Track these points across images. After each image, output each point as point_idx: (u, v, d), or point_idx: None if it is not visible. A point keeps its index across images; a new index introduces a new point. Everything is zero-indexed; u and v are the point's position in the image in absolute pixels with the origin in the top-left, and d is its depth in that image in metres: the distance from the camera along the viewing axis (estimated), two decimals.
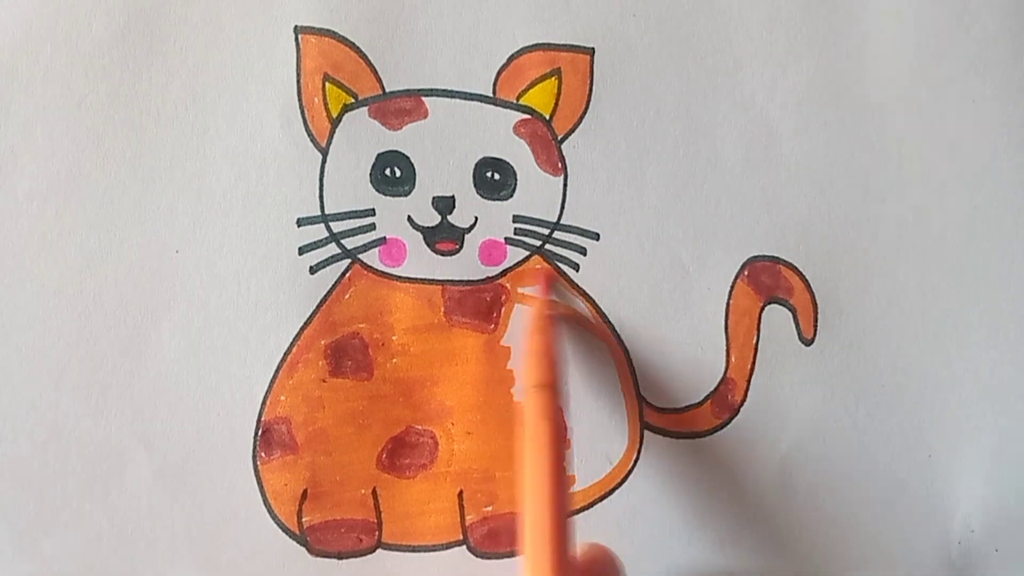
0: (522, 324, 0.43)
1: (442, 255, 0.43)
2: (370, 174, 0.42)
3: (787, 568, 0.44)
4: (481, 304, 0.43)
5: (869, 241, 0.45)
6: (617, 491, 0.44)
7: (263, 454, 0.42)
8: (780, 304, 0.44)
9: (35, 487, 0.41)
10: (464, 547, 0.43)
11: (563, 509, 0.36)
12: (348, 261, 0.42)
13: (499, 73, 0.43)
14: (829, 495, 0.44)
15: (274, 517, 0.42)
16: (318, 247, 0.42)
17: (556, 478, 0.36)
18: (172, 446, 0.42)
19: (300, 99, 0.42)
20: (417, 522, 0.43)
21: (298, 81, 0.42)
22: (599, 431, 0.43)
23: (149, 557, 0.42)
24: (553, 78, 0.43)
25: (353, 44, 0.42)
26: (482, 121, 0.43)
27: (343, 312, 0.42)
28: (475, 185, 0.43)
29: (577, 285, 0.43)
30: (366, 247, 0.42)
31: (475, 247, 0.43)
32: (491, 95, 0.43)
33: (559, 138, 0.43)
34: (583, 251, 0.43)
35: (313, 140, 0.42)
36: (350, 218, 0.42)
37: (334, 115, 0.42)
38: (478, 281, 0.43)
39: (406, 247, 0.43)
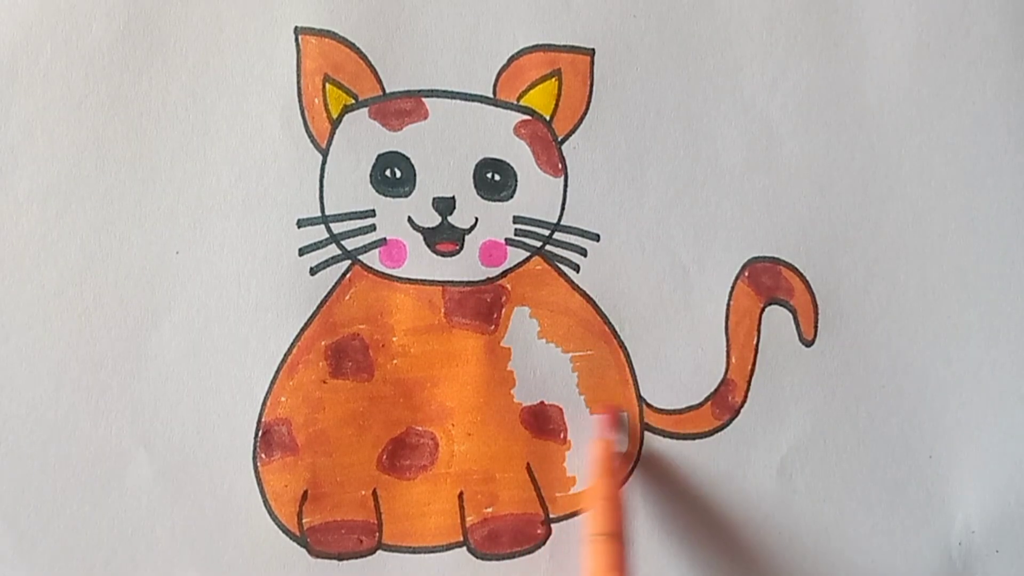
0: (588, 463, 0.43)
1: (442, 256, 0.43)
2: (370, 175, 0.42)
3: (787, 568, 0.44)
4: (481, 305, 0.43)
5: (869, 241, 0.45)
6: None
7: (263, 455, 0.42)
8: (780, 305, 0.44)
9: (35, 487, 0.41)
10: (464, 548, 0.43)
11: None
12: (348, 262, 0.42)
13: (499, 74, 0.43)
14: (829, 495, 0.44)
15: (274, 518, 0.42)
16: (318, 248, 0.42)
17: None
18: (172, 447, 0.42)
19: (300, 100, 0.42)
20: (417, 523, 0.43)
21: (298, 82, 0.42)
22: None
23: (149, 557, 0.42)
24: (553, 79, 0.43)
25: (353, 45, 0.42)
26: (482, 122, 0.43)
27: (343, 313, 0.42)
28: (475, 186, 0.43)
29: (577, 286, 0.43)
30: (366, 248, 0.42)
31: (475, 248, 0.43)
32: (491, 96, 0.43)
33: (559, 139, 0.43)
34: (583, 252, 0.43)
35: (313, 141, 0.42)
36: (350, 219, 0.42)
37: (334, 116, 0.42)
38: (478, 282, 0.43)
39: (406, 248, 0.43)
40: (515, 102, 0.43)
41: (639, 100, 0.43)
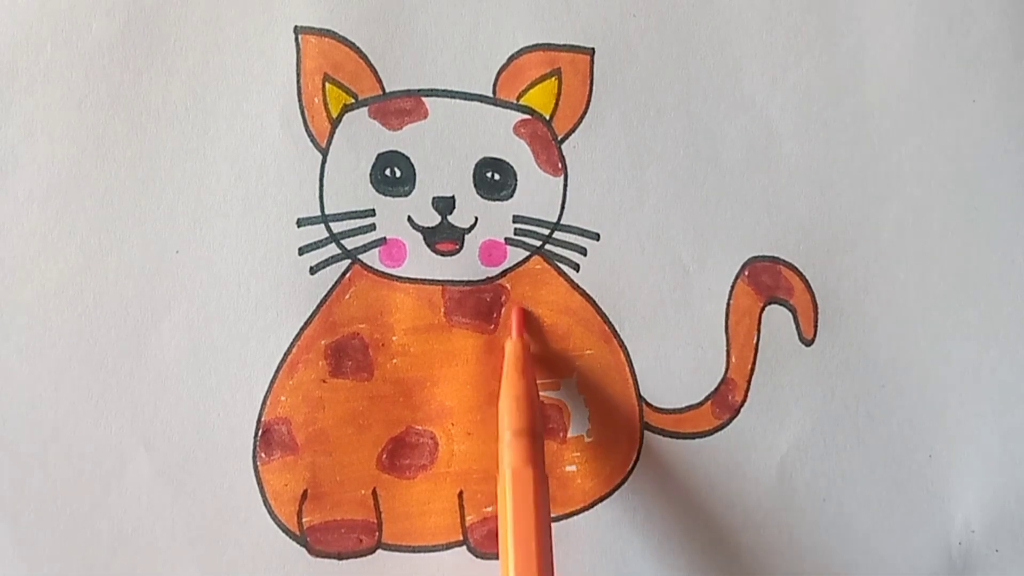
0: (504, 362, 0.42)
1: (442, 255, 0.43)
2: (370, 174, 0.42)
3: (787, 568, 0.44)
4: (481, 304, 0.43)
5: (869, 241, 0.45)
6: (617, 491, 0.44)
7: (263, 454, 0.42)
8: (780, 304, 0.44)
9: (35, 487, 0.41)
10: (464, 547, 0.43)
11: (549, 557, 0.38)
12: (348, 261, 0.42)
13: (499, 73, 0.43)
14: (829, 495, 0.44)
15: (274, 518, 0.42)
16: (318, 247, 0.42)
17: (542, 525, 0.38)
18: (172, 446, 0.42)
19: (300, 99, 0.42)
20: (417, 523, 0.43)
21: (298, 81, 0.42)
22: (599, 431, 0.43)
23: (149, 557, 0.42)
24: (553, 78, 0.43)
25: (353, 44, 0.42)
26: (482, 121, 0.43)
27: (343, 312, 0.42)
28: (475, 185, 0.43)
29: (577, 285, 0.43)
30: (366, 247, 0.42)
31: (475, 247, 0.43)
32: (491, 95, 0.43)
33: (559, 138, 0.43)
34: (583, 251, 0.43)
35: (313, 140, 0.42)
36: (350, 218, 0.42)
37: (334, 115, 0.42)
38: (478, 281, 0.43)
39: (406, 247, 0.43)
40: (515, 101, 0.43)
41: (639, 99, 0.43)
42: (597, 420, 0.44)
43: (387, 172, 0.42)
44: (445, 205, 0.42)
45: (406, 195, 0.42)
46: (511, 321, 0.43)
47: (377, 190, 0.42)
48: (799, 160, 0.44)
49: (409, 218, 0.42)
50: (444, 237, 0.43)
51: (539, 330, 0.43)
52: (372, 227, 0.42)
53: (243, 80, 0.42)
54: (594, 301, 0.43)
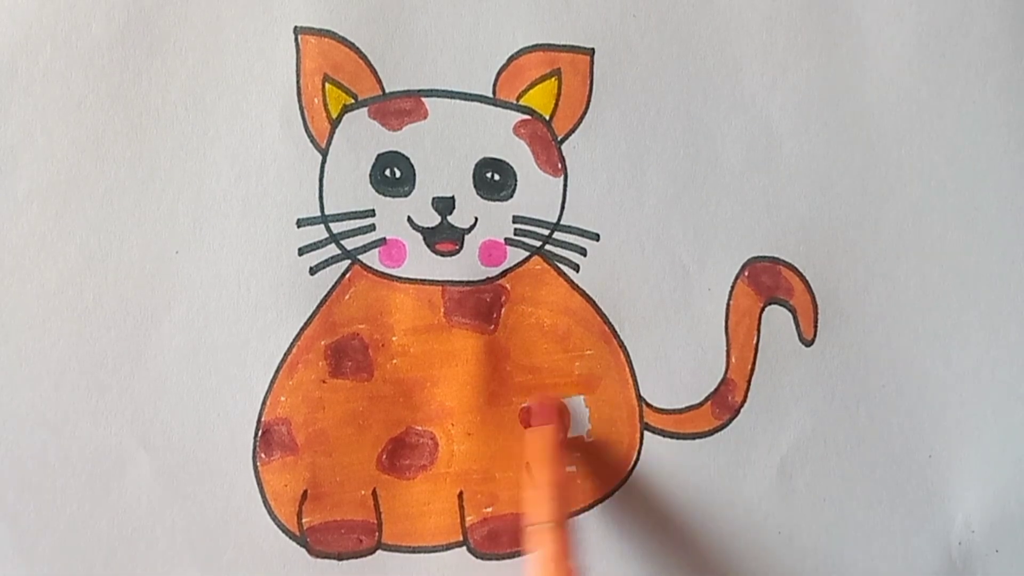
0: (533, 452, 0.42)
1: (442, 256, 0.43)
2: (370, 175, 0.42)
3: (787, 568, 0.44)
4: (481, 305, 0.43)
5: (869, 241, 0.45)
6: (617, 491, 0.44)
7: (263, 455, 0.42)
8: (780, 305, 0.44)
9: (35, 487, 0.41)
10: (464, 548, 0.43)
11: None
12: (348, 262, 0.42)
13: (499, 73, 0.43)
14: (829, 495, 0.44)
15: (274, 518, 0.42)
16: (318, 248, 0.42)
17: None
18: (172, 447, 0.42)
19: (300, 100, 0.42)
20: (417, 523, 0.43)
21: (298, 82, 0.42)
22: (599, 431, 0.43)
23: (149, 557, 0.42)
24: (553, 78, 0.43)
25: (353, 45, 0.42)
26: (482, 121, 0.43)
27: (343, 313, 0.42)
28: (475, 186, 0.43)
29: (577, 285, 0.43)
30: (366, 248, 0.42)
31: (475, 248, 0.43)
32: (491, 95, 0.43)
33: (559, 138, 0.43)
34: (583, 252, 0.43)
35: (313, 141, 0.42)
36: (350, 219, 0.42)
37: (334, 116, 0.42)
38: (478, 282, 0.43)
39: (406, 248, 0.43)
40: (515, 102, 0.43)
41: (639, 100, 0.43)
42: (597, 420, 0.44)
43: (387, 172, 0.42)
44: (445, 205, 0.42)
45: (406, 195, 0.42)
46: (537, 405, 0.43)
47: (377, 190, 0.42)
48: (799, 160, 0.44)
49: (409, 218, 0.42)
50: (444, 237, 0.43)
51: (539, 331, 0.43)
52: (372, 227, 0.42)
53: (243, 80, 0.42)
54: (594, 301, 0.43)
